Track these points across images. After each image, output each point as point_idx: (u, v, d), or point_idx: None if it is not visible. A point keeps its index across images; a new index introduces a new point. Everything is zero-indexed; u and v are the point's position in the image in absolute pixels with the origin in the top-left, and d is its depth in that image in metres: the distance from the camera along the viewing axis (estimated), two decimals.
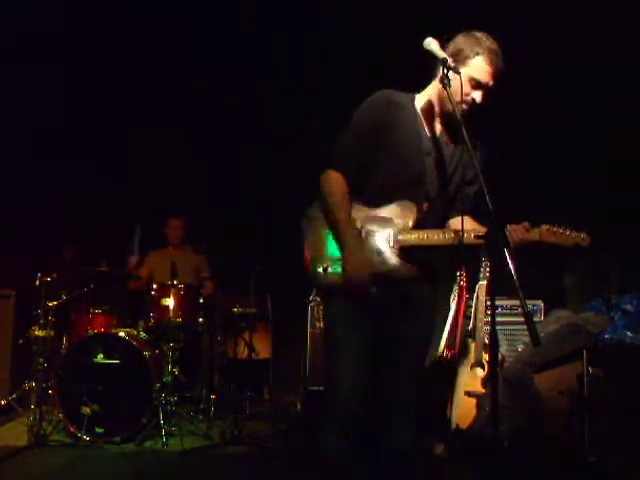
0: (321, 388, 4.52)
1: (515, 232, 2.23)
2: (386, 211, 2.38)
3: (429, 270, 2.42)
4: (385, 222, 2.36)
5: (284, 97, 5.50)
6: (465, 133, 2.16)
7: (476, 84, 2.31)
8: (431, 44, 2.31)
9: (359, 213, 2.40)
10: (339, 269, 2.34)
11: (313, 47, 5.34)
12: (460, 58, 2.32)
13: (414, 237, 2.33)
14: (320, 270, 2.37)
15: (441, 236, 2.31)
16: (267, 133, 5.62)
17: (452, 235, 2.29)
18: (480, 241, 2.25)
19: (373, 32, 4.95)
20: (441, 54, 2.28)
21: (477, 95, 2.32)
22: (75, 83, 5.51)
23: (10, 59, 5.25)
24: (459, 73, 2.24)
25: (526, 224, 2.25)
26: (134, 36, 5.40)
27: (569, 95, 4.97)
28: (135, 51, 5.48)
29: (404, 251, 2.34)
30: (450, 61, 2.25)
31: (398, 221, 2.36)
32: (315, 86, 5.39)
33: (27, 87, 5.31)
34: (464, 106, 2.32)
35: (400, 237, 2.34)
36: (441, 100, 2.39)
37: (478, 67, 2.30)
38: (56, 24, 5.30)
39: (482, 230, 2.27)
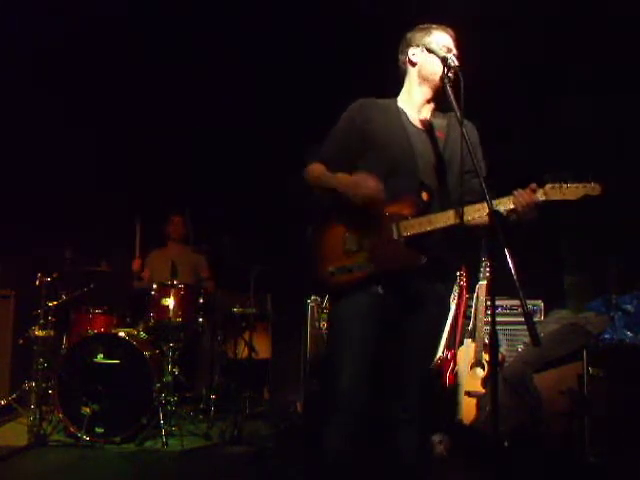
0: (321, 388, 4.53)
1: (521, 195, 2.20)
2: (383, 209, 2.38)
3: (438, 264, 2.39)
4: (385, 219, 2.35)
5: (284, 96, 5.51)
6: (461, 126, 2.18)
7: (447, 49, 2.40)
8: (431, 43, 2.35)
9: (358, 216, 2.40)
10: (347, 270, 2.36)
11: (313, 48, 5.35)
12: (425, 43, 2.43)
13: (416, 224, 2.31)
14: (330, 271, 2.39)
15: (441, 217, 2.29)
16: (267, 133, 5.62)
17: (452, 214, 2.26)
18: (479, 215, 2.21)
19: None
20: (442, 53, 2.32)
21: (453, 57, 2.37)
22: (75, 82, 5.51)
23: (10, 58, 5.26)
24: (458, 72, 2.25)
25: (533, 185, 2.21)
26: (133, 36, 5.41)
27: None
28: (134, 50, 5.48)
29: (412, 243, 2.32)
30: (449, 59, 2.28)
31: (397, 214, 2.34)
32: (316, 86, 5.39)
33: (26, 87, 5.32)
34: (449, 77, 2.37)
35: (402, 227, 2.32)
36: (426, 93, 2.46)
37: (440, 36, 2.44)
38: (55, 24, 5.31)
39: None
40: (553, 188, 2.18)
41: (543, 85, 4.94)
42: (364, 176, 2.33)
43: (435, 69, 2.40)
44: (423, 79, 2.46)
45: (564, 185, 2.17)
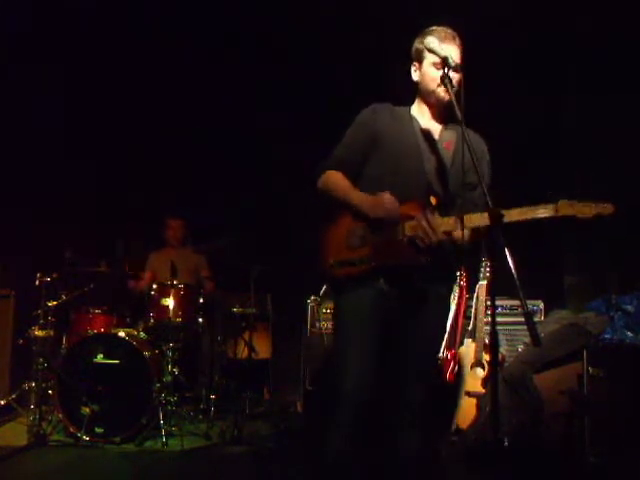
0: (321, 388, 4.53)
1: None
2: None
3: (441, 266, 2.41)
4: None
5: (284, 96, 5.50)
6: (464, 131, 2.18)
7: (440, 65, 2.37)
8: (432, 43, 2.35)
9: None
10: (348, 263, 2.38)
11: (313, 49, 5.34)
12: (420, 56, 2.46)
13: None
14: (330, 263, 2.42)
15: (447, 220, 2.29)
16: (267, 132, 5.62)
17: (453, 221, 2.27)
18: (484, 222, 2.19)
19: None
20: (442, 53, 2.32)
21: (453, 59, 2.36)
22: (75, 83, 5.51)
23: (10, 59, 5.26)
24: (458, 71, 2.26)
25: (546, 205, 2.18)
26: (134, 36, 5.41)
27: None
28: (134, 51, 5.48)
29: (414, 243, 2.32)
30: (450, 60, 2.29)
31: (404, 215, 2.35)
32: (315, 86, 5.39)
33: (27, 87, 5.31)
34: (443, 93, 2.40)
35: (407, 227, 2.34)
36: (433, 101, 2.48)
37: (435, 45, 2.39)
38: (56, 24, 5.31)
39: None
40: (566, 205, 2.16)
41: (543, 85, 4.94)
42: (383, 197, 2.34)
43: (430, 87, 2.44)
44: (423, 96, 2.52)
45: (577, 203, 2.15)
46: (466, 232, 2.29)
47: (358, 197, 2.42)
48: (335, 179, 2.51)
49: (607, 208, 2.15)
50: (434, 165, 2.45)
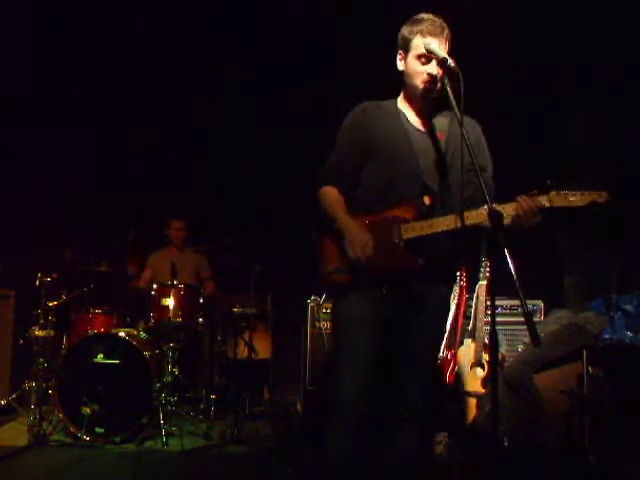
0: (321, 388, 4.52)
1: (525, 202, 2.17)
2: (386, 213, 2.38)
3: (441, 267, 2.40)
4: (387, 222, 2.36)
5: (283, 96, 5.50)
6: (462, 127, 2.15)
7: (425, 59, 2.33)
8: (431, 44, 2.33)
9: (361, 220, 2.40)
10: (346, 270, 2.36)
11: (312, 49, 5.34)
12: (406, 46, 2.39)
13: (417, 227, 2.31)
14: (329, 270, 2.40)
15: (443, 221, 2.28)
16: (267, 132, 5.62)
17: (454, 218, 2.25)
18: (482, 219, 2.19)
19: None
20: (441, 54, 2.29)
21: (431, 68, 2.34)
22: (75, 82, 5.51)
23: (9, 58, 5.26)
24: (458, 72, 2.23)
25: (534, 191, 2.18)
26: (135, 35, 5.41)
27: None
28: (135, 49, 5.48)
29: (412, 246, 2.32)
30: (449, 61, 2.25)
31: (399, 217, 2.35)
32: (315, 87, 5.39)
33: (27, 86, 5.31)
34: (424, 87, 2.35)
35: (403, 230, 2.33)
36: (416, 96, 2.42)
37: (419, 43, 2.35)
38: (56, 23, 5.31)
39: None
40: (558, 195, 2.16)
41: (544, 86, 4.94)
42: (361, 240, 2.30)
43: (413, 81, 2.39)
44: (407, 88, 2.46)
45: (570, 192, 2.15)
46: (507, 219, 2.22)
47: (345, 225, 2.36)
48: (328, 196, 2.47)
49: (601, 195, 2.15)
50: (428, 160, 2.40)
